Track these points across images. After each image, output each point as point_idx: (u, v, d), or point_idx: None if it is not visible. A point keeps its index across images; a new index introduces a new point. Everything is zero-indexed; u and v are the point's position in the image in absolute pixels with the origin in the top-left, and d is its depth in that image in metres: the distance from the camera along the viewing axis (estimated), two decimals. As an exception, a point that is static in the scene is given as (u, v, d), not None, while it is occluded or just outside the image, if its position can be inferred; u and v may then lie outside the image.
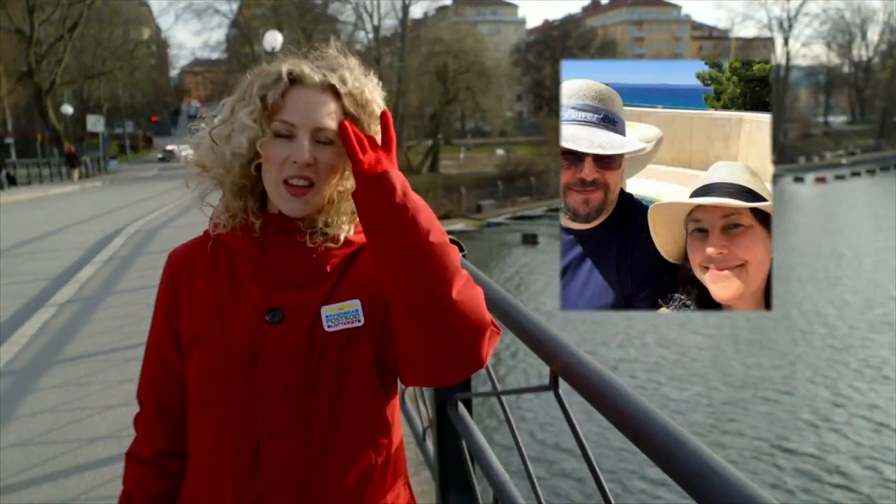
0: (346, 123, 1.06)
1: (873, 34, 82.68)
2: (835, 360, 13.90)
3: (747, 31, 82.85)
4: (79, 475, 2.88)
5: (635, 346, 14.69)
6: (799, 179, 51.54)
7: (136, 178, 30.05)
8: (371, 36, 50.38)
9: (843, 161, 63.06)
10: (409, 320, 1.03)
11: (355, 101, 1.12)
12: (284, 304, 1.09)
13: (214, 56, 60.35)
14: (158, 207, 13.98)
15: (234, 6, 53.88)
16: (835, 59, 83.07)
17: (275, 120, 1.09)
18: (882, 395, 12.04)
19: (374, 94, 1.15)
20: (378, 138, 1.10)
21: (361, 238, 1.14)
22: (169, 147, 51.28)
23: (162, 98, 71.22)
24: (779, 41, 70.29)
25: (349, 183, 1.13)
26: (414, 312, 1.02)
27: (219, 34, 60.38)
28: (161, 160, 49.88)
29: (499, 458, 1.78)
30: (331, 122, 1.10)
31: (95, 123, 37.34)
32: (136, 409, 1.20)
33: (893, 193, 42.21)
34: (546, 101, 75.40)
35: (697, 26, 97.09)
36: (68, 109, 38.11)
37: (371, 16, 51.00)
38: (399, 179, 1.03)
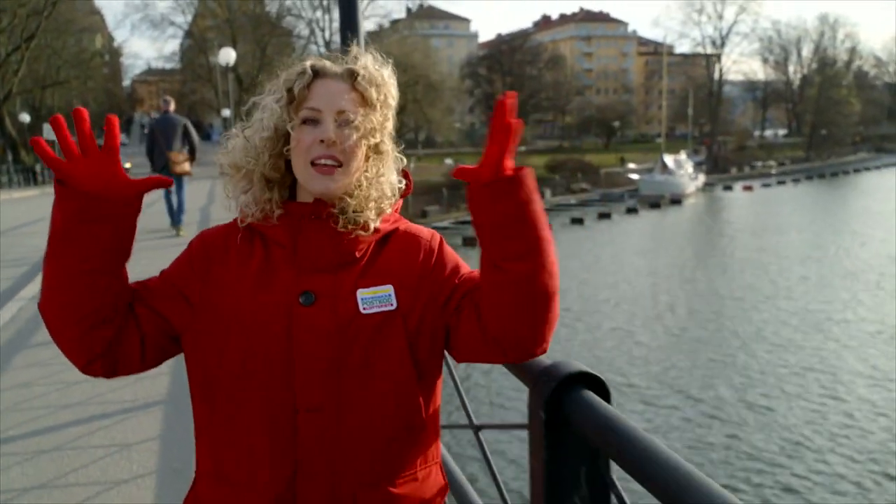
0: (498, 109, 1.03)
1: (808, 52, 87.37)
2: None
3: (683, 48, 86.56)
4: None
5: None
6: (728, 188, 54.83)
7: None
8: (323, 50, 52.02)
9: (773, 171, 66.78)
10: (517, 307, 1.11)
11: (372, 85, 1.21)
12: (317, 288, 1.15)
13: (169, 66, 61.20)
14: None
15: (190, 18, 54.92)
16: (772, 75, 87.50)
17: (301, 108, 1.19)
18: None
19: (390, 81, 1.25)
20: (388, 124, 1.25)
21: (387, 226, 1.23)
22: None
23: (115, 107, 71.53)
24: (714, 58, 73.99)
25: (374, 171, 1.23)
26: (530, 301, 1.11)
27: (173, 45, 61.26)
28: None
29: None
30: (352, 106, 1.19)
31: (51, 132, 38.11)
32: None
33: (807, 199, 45.91)
34: (497, 113, 77.63)
35: (644, 42, 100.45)
36: (26, 118, 38.93)
37: (323, 31, 52.75)
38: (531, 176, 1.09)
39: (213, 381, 1.18)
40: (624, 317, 17.98)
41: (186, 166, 9.77)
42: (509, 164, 1.08)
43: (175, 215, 9.94)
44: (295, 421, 1.13)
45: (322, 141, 1.17)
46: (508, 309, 1.12)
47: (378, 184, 1.23)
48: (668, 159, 49.18)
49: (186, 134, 9.76)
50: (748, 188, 53.72)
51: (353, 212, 1.20)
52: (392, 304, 1.16)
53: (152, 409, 3.75)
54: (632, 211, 41.96)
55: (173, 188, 9.69)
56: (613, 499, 1.25)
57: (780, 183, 57.95)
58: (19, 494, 2.92)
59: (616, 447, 1.11)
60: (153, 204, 11.77)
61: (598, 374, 1.28)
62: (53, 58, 44.87)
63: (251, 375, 1.14)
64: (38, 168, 35.45)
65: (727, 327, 16.88)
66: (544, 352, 1.16)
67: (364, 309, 1.15)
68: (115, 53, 67.89)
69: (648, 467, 1.00)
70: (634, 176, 50.86)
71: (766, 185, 55.90)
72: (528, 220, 1.08)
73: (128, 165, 32.04)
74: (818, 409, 11.80)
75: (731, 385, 12.94)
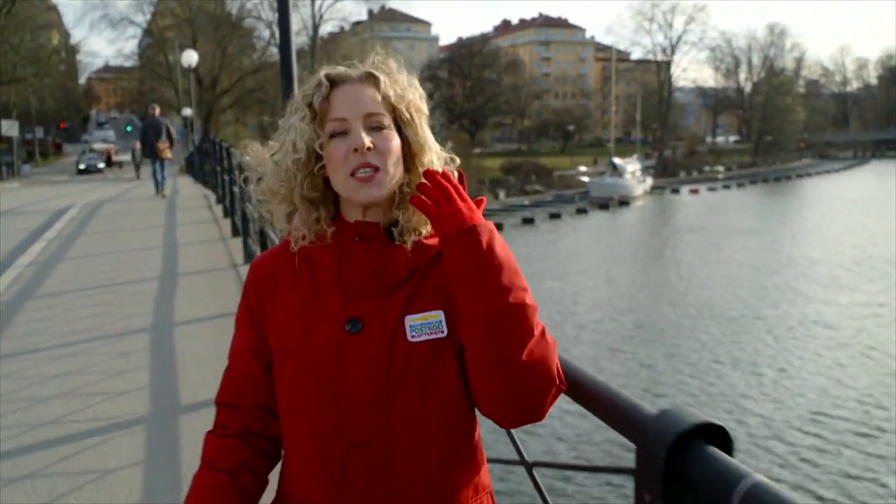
0: (419, 189, 1.10)
1: (757, 60, 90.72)
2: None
3: (637, 55, 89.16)
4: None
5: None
6: (676, 191, 57.20)
7: (52, 181, 31.69)
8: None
9: (720, 175, 69.55)
10: (478, 372, 1.08)
11: (395, 88, 1.17)
12: (363, 314, 1.11)
13: (129, 64, 61.11)
14: (93, 194, 16.61)
15: (149, 17, 55.03)
16: (723, 83, 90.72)
17: (326, 122, 1.14)
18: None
19: (414, 84, 1.20)
20: (427, 142, 1.18)
21: (437, 241, 1.13)
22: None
23: (72, 104, 71.03)
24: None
25: (416, 175, 1.16)
26: (484, 367, 1.06)
27: (133, 44, 61.01)
28: (83, 171, 41.38)
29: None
30: (378, 108, 1.14)
31: (10, 128, 38.33)
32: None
33: (747, 202, 48.41)
34: (457, 116, 79.30)
35: (601, 48, 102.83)
36: (-16, 113, 39.06)
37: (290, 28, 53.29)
38: (486, 234, 1.06)
39: (280, 412, 1.18)
40: (545, 309, 19.51)
41: (168, 153, 14.90)
42: (455, 218, 1.07)
43: (160, 184, 14.92)
44: (343, 456, 1.10)
45: (356, 150, 1.11)
46: (476, 378, 1.09)
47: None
48: (618, 162, 51.31)
49: (167, 131, 14.90)
50: (694, 191, 56.08)
51: (406, 222, 1.15)
52: (442, 332, 1.11)
53: (141, 335, 4.98)
54: (581, 211, 43.80)
55: (158, 167, 14.82)
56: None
57: (726, 187, 60.53)
58: (49, 379, 4.14)
59: None
60: (148, 180, 17.71)
61: (721, 424, 1.07)
62: (10, 54, 44.72)
63: (300, 408, 1.13)
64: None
65: (642, 320, 18.47)
66: (537, 419, 1.10)
67: (412, 337, 1.10)
68: (72, 50, 67.45)
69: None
70: (585, 178, 52.88)
71: (711, 189, 58.34)
72: (475, 275, 1.05)
73: (100, 166, 32.09)
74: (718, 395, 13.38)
75: (635, 376, 14.23)
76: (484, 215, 1.11)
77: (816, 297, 20.46)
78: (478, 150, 60.06)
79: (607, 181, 49.84)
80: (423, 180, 1.11)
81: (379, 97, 1.15)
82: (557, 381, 1.07)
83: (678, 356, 15.27)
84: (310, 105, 1.14)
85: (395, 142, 1.14)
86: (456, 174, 1.17)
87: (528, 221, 39.18)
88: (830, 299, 20.07)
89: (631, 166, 51.95)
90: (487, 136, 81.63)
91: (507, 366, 1.04)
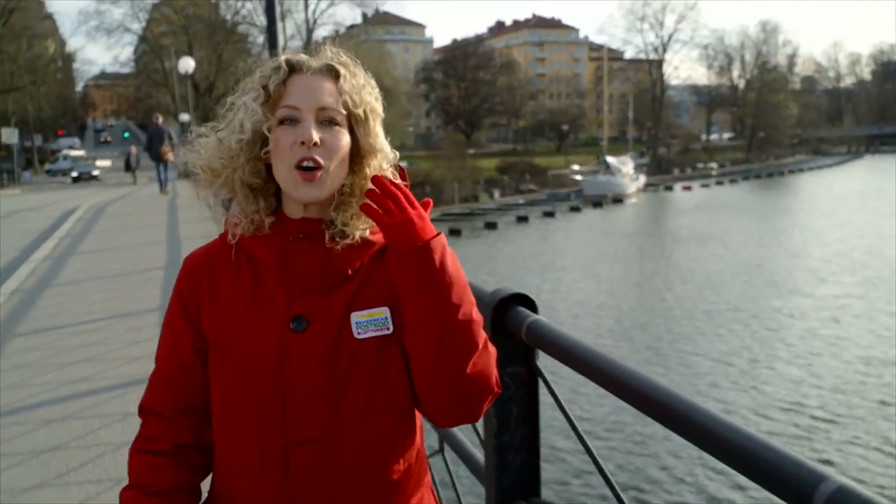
0: (369, 196, 1.07)
1: (750, 57, 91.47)
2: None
3: (630, 54, 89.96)
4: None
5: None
6: (669, 188, 57.91)
7: (53, 187, 32.28)
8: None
9: (713, 172, 70.27)
10: (423, 380, 1.10)
11: (353, 85, 1.14)
12: (308, 312, 1.10)
13: (125, 71, 61.68)
14: (96, 197, 17.30)
15: (145, 24, 55.61)
16: (716, 81, 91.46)
17: (278, 107, 1.11)
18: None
19: (371, 84, 1.17)
20: (377, 143, 1.15)
21: (380, 237, 1.12)
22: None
23: (69, 112, 71.64)
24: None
25: (362, 172, 1.14)
26: (430, 376, 1.09)
27: (129, 51, 61.57)
28: (77, 178, 40.83)
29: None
30: (333, 103, 1.11)
31: (9, 136, 38.79)
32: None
33: (738, 197, 49.06)
34: (452, 117, 79.95)
35: (595, 48, 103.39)
36: (-16, 122, 39.60)
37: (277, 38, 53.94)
38: (439, 250, 1.05)
39: (215, 410, 1.15)
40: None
41: (171, 156, 17.21)
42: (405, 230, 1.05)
43: (163, 183, 17.51)
44: (287, 454, 1.09)
45: (302, 143, 1.08)
46: (421, 384, 1.12)
47: (367, 186, 1.11)
48: (611, 161, 52.02)
49: (169, 137, 17.61)
50: (687, 188, 56.76)
51: (343, 224, 1.13)
52: (388, 329, 1.11)
53: (152, 313, 5.60)
54: (575, 209, 44.50)
55: (162, 169, 17.46)
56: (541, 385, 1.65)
57: (719, 183, 61.23)
58: (75, 349, 4.79)
59: (543, 341, 1.47)
60: (147, 184, 20.36)
61: (529, 295, 1.55)
62: (8, 63, 45.15)
63: (242, 406, 1.11)
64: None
65: (624, 313, 18.99)
66: (474, 421, 1.15)
67: (358, 333, 1.09)
68: (69, 59, 67.93)
69: (566, 351, 1.42)
70: (578, 177, 53.56)
71: (704, 186, 59.02)
72: (428, 291, 1.05)
73: (95, 173, 32.98)
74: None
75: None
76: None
77: (797, 289, 20.98)
78: (472, 151, 60.71)
79: (600, 179, 50.55)
80: (372, 186, 1.08)
81: (336, 92, 1.13)
82: (496, 389, 1.12)
83: (655, 348, 15.73)
84: (265, 87, 1.12)
85: (345, 140, 1.12)
86: (397, 173, 1.15)
87: (523, 220, 39.88)
88: (810, 292, 20.60)
89: (624, 165, 52.64)
90: (483, 136, 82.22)
91: (452, 377, 1.07)
